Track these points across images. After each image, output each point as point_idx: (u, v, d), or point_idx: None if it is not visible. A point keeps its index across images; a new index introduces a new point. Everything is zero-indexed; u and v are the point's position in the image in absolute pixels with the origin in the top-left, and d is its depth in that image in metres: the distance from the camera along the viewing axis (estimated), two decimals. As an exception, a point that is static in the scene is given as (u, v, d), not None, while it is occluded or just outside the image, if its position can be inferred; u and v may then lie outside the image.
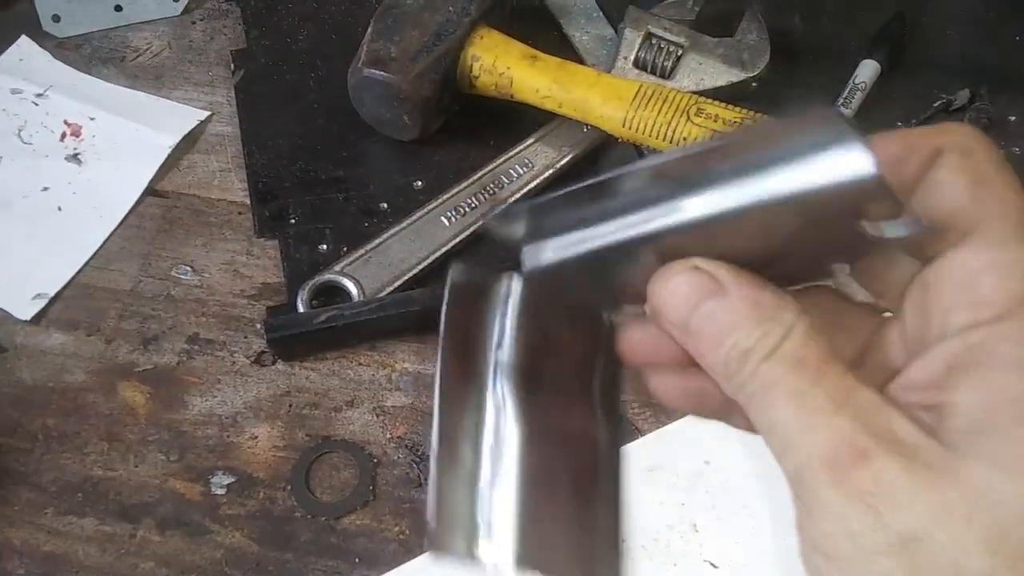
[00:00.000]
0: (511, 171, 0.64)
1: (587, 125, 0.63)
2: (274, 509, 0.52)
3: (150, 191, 0.66)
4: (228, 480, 0.54)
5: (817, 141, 0.22)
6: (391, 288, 0.60)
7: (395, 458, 0.54)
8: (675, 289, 0.27)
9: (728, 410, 0.29)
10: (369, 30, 0.64)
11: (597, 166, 0.65)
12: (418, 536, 0.51)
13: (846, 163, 0.21)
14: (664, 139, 0.58)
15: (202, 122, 0.69)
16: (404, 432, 0.55)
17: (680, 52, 0.64)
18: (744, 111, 0.58)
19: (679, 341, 0.27)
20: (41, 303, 0.61)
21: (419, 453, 0.54)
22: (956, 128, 0.26)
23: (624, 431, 0.48)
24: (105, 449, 0.55)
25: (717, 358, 0.26)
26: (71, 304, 0.61)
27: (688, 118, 0.58)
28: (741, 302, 0.26)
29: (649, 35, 0.65)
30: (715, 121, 0.58)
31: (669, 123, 0.58)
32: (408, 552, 0.51)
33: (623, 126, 0.60)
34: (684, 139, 0.58)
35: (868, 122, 0.65)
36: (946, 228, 0.25)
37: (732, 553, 0.49)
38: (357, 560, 0.51)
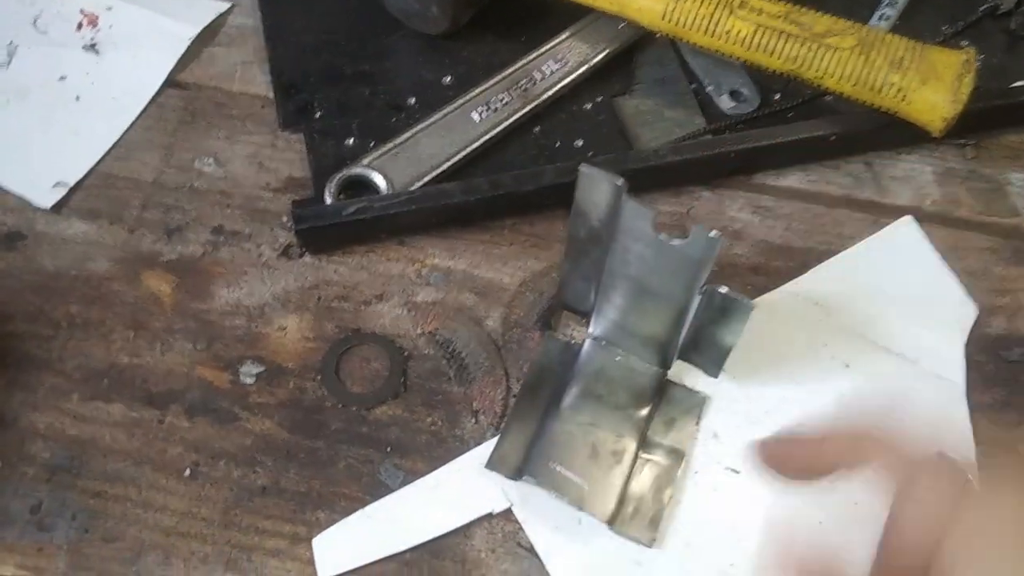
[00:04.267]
0: (543, 67, 0.62)
1: (623, 20, 0.61)
2: (304, 399, 0.52)
3: (170, 82, 0.64)
4: (257, 369, 0.53)
5: None
6: (420, 183, 0.58)
7: (426, 352, 0.53)
8: None
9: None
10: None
11: (633, 64, 0.63)
12: (451, 427, 0.51)
13: None
14: (707, 33, 0.56)
15: (222, 14, 0.67)
16: (435, 327, 0.54)
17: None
18: (787, 3, 0.56)
19: None
20: (61, 191, 0.59)
21: (450, 349, 0.53)
22: None
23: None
24: (130, 337, 0.54)
25: None
26: (92, 193, 0.59)
27: (732, 11, 0.56)
28: None
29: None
30: (759, 15, 0.56)
31: (712, 15, 0.56)
32: (440, 443, 0.50)
33: (663, 19, 0.58)
34: (727, 33, 0.56)
35: (912, 25, 0.63)
36: None
37: (752, 459, 0.48)
38: (388, 449, 0.50)
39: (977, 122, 0.57)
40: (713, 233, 0.40)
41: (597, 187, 0.43)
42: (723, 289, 0.43)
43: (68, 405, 0.51)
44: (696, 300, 0.44)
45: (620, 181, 0.41)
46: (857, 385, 0.50)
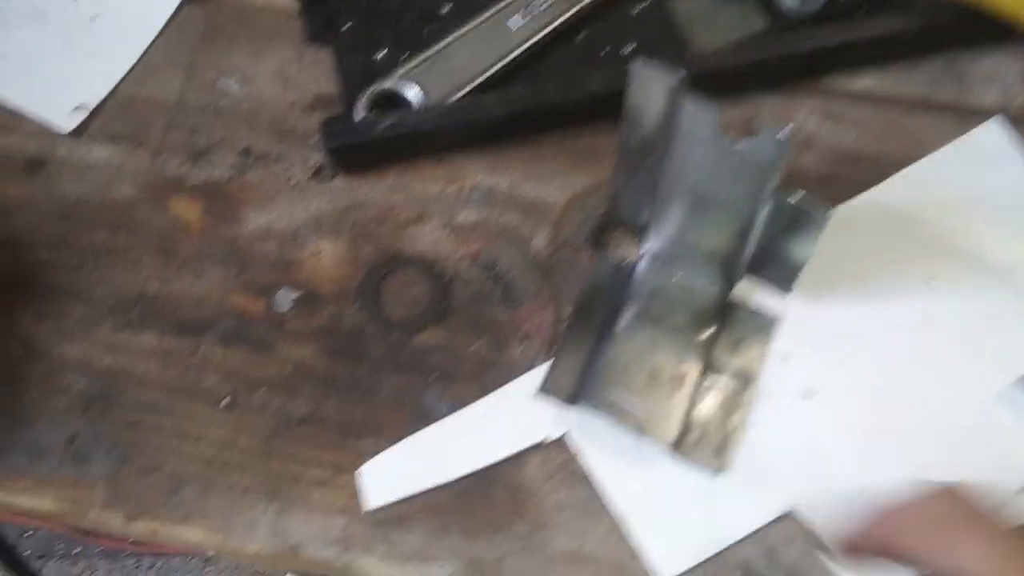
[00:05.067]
0: (589, -34, 0.58)
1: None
2: (343, 325, 0.49)
3: (189, -2, 0.60)
4: (292, 296, 0.50)
5: None
6: (457, 96, 0.54)
7: (469, 275, 0.50)
8: None
9: None
10: None
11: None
12: (498, 352, 0.48)
13: None
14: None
15: (244, -77, 0.63)
16: (478, 249, 0.51)
17: None
18: None
19: None
20: (82, 115, 0.56)
21: (494, 271, 0.50)
22: None
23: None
24: (159, 265, 0.51)
25: None
26: (114, 116, 0.56)
27: None
28: None
29: None
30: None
31: None
32: (487, 369, 0.47)
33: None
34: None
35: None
36: None
37: (827, 381, 0.45)
38: (433, 376, 0.47)
39: (1069, 12, 0.52)
40: (783, 133, 0.36)
41: (652, 86, 0.39)
42: (795, 196, 0.39)
43: (99, 335, 0.49)
44: (763, 210, 0.40)
45: (678, 77, 0.37)
46: (940, 303, 0.46)
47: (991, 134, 0.51)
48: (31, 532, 1.17)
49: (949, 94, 0.53)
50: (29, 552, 1.17)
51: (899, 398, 0.44)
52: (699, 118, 0.38)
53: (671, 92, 0.38)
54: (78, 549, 1.17)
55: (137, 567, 1.17)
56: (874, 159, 0.51)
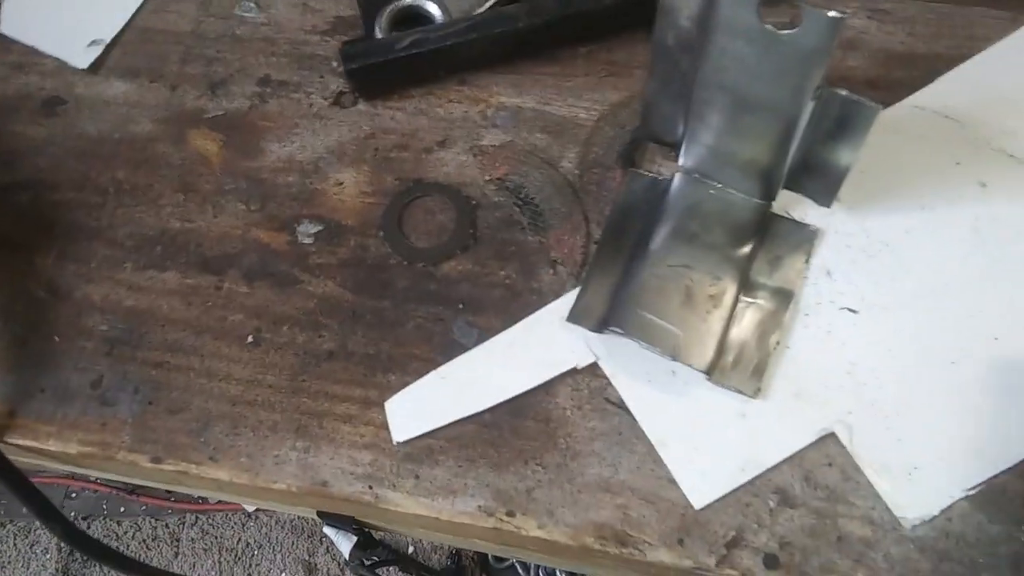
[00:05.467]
0: None
1: None
2: (367, 257, 0.47)
3: (203, -78, 0.58)
4: (315, 228, 0.48)
5: None
6: (481, 10, 0.52)
7: (496, 200, 0.48)
8: None
9: None
10: None
11: None
12: (527, 279, 0.46)
13: None
14: None
15: None
16: (505, 172, 0.49)
17: None
18: None
19: None
20: (98, 50, 0.55)
21: (522, 195, 0.48)
22: None
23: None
24: (181, 200, 0.50)
25: None
26: (130, 50, 0.55)
27: None
28: None
29: None
30: None
31: None
32: (516, 298, 0.45)
33: None
34: None
35: None
36: None
37: (871, 296, 0.42)
38: (460, 306, 0.46)
39: None
40: (832, 12, 0.33)
41: (687, -25, 0.36)
42: (842, 92, 0.36)
43: (122, 275, 0.48)
44: (808, 109, 0.37)
45: None
46: (994, 209, 0.43)
47: (1055, 24, 0.47)
48: (75, 494, 1.20)
49: (1008, -17, 0.49)
50: (75, 513, 1.20)
51: (948, 313, 0.41)
52: (738, 6, 0.35)
53: (708, -20, 0.35)
54: (123, 509, 1.19)
55: (181, 524, 1.19)
56: (924, 59, 0.48)
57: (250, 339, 0.46)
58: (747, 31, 0.35)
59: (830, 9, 0.33)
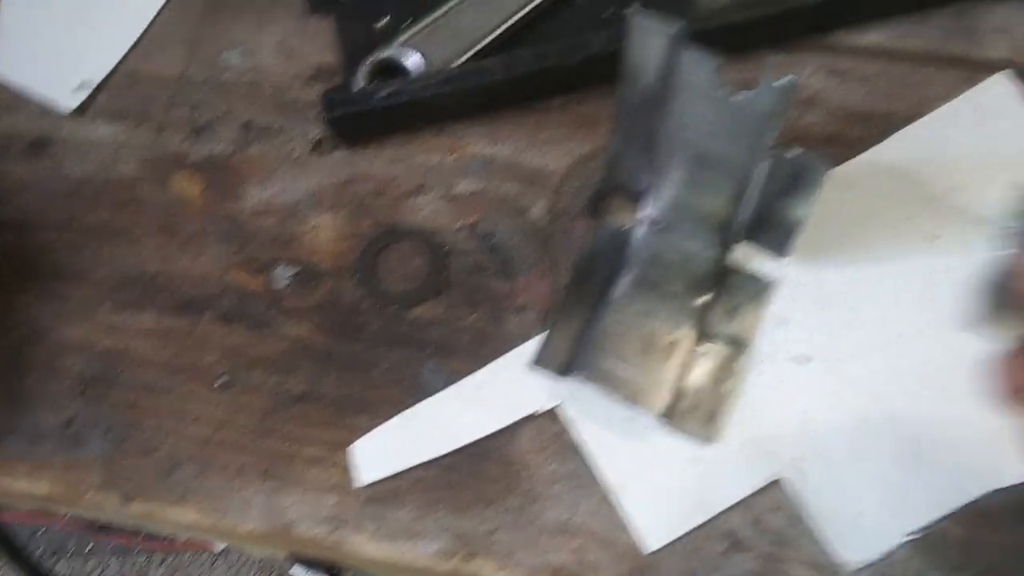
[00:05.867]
0: (591, -77, 0.56)
1: None
2: (341, 300, 0.49)
3: (192, -29, 0.60)
4: (291, 271, 0.50)
5: None
6: (459, 62, 0.53)
7: (467, 246, 0.50)
8: None
9: None
10: None
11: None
12: (496, 324, 0.47)
13: None
14: None
15: None
16: (477, 220, 0.50)
17: None
18: None
19: None
20: (85, 93, 0.56)
21: (492, 242, 0.50)
22: None
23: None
24: (161, 243, 0.51)
25: None
26: (117, 93, 0.57)
27: None
28: None
29: None
30: None
31: None
32: (484, 342, 0.47)
33: None
34: None
35: None
36: None
37: (823, 347, 0.43)
38: (430, 350, 0.47)
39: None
40: (783, 81, 0.35)
41: (651, 39, 0.38)
42: (793, 151, 0.38)
43: (100, 316, 0.49)
44: (763, 167, 0.39)
45: (677, 28, 0.36)
46: (944, 263, 0.44)
47: (999, 88, 0.49)
48: (43, 530, 1.19)
49: (958, 47, 0.51)
50: (42, 550, 1.19)
51: (899, 363, 0.43)
52: (698, 70, 0.37)
53: (670, 44, 0.37)
54: (90, 546, 1.19)
55: (148, 563, 1.18)
56: (881, 117, 0.50)
57: (223, 380, 0.47)
58: (706, 93, 0.37)
59: (783, 76, 0.34)
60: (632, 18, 0.37)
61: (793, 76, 0.34)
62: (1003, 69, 0.49)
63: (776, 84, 0.35)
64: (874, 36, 0.52)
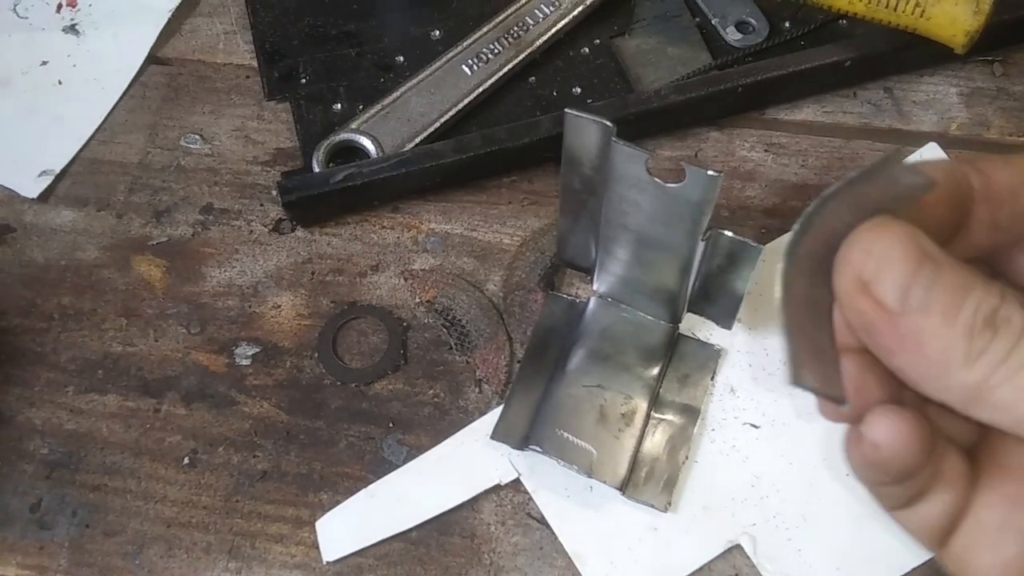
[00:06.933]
0: (536, 11, 0.59)
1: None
2: (302, 378, 0.50)
3: (152, 59, 0.62)
4: (252, 351, 0.51)
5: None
6: (412, 144, 0.55)
7: (425, 321, 0.51)
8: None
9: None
10: None
11: (632, 0, 0.60)
12: (454, 398, 0.48)
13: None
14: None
15: (202, -17, 0.65)
16: (434, 295, 0.52)
17: None
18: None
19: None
20: (47, 180, 0.57)
21: (449, 317, 0.51)
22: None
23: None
24: (123, 325, 0.52)
25: (955, 331, 0.25)
26: (79, 180, 0.58)
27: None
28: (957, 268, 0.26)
29: None
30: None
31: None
32: (443, 416, 0.48)
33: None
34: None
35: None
36: None
37: (771, 413, 0.45)
38: (391, 424, 0.48)
39: (1004, 35, 0.53)
40: (711, 172, 0.37)
41: (585, 132, 0.40)
42: (727, 233, 0.40)
43: (64, 399, 0.50)
44: (700, 247, 0.41)
45: (608, 124, 0.38)
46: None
47: (929, 158, 0.52)
48: None
49: (888, 120, 0.54)
50: None
51: (844, 425, 0.44)
52: (630, 163, 0.39)
53: (603, 138, 0.39)
54: None
55: None
56: (817, 188, 0.52)
57: (186, 460, 0.48)
58: (639, 183, 0.39)
59: (708, 168, 0.36)
60: (565, 114, 0.39)
61: (720, 173, 0.36)
62: (931, 140, 0.52)
63: (705, 174, 0.37)
64: (807, 112, 0.55)
